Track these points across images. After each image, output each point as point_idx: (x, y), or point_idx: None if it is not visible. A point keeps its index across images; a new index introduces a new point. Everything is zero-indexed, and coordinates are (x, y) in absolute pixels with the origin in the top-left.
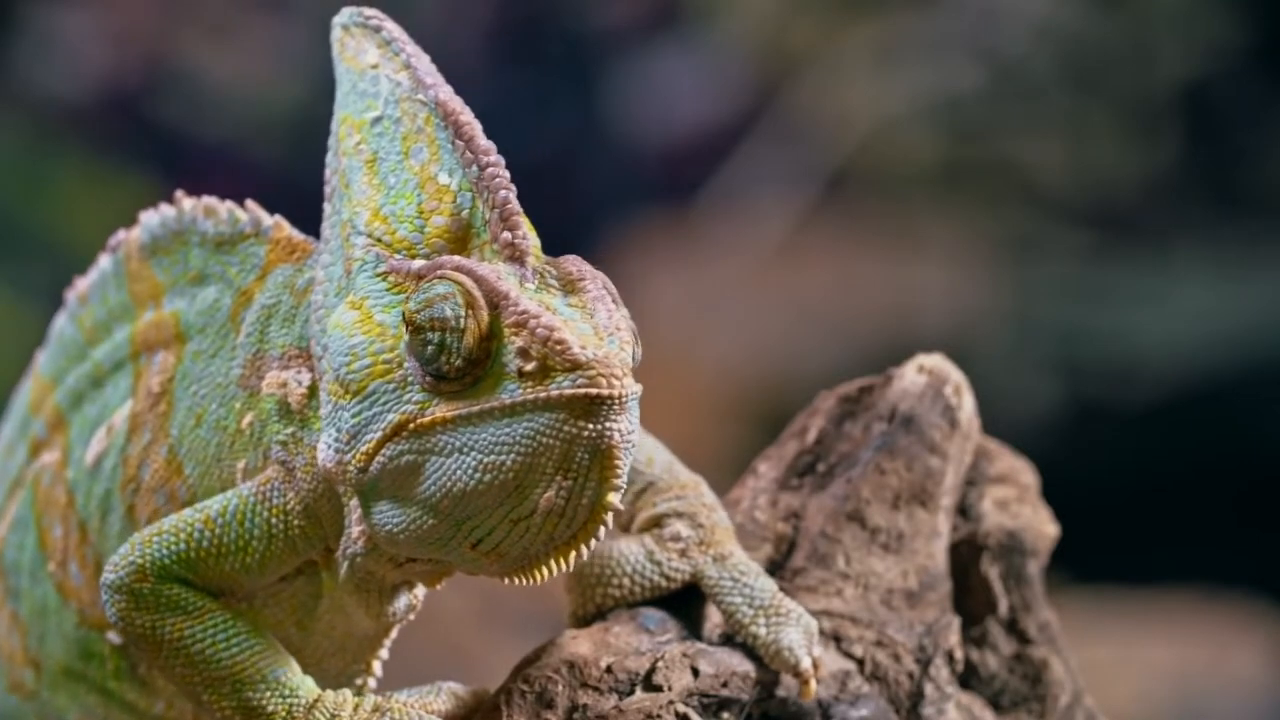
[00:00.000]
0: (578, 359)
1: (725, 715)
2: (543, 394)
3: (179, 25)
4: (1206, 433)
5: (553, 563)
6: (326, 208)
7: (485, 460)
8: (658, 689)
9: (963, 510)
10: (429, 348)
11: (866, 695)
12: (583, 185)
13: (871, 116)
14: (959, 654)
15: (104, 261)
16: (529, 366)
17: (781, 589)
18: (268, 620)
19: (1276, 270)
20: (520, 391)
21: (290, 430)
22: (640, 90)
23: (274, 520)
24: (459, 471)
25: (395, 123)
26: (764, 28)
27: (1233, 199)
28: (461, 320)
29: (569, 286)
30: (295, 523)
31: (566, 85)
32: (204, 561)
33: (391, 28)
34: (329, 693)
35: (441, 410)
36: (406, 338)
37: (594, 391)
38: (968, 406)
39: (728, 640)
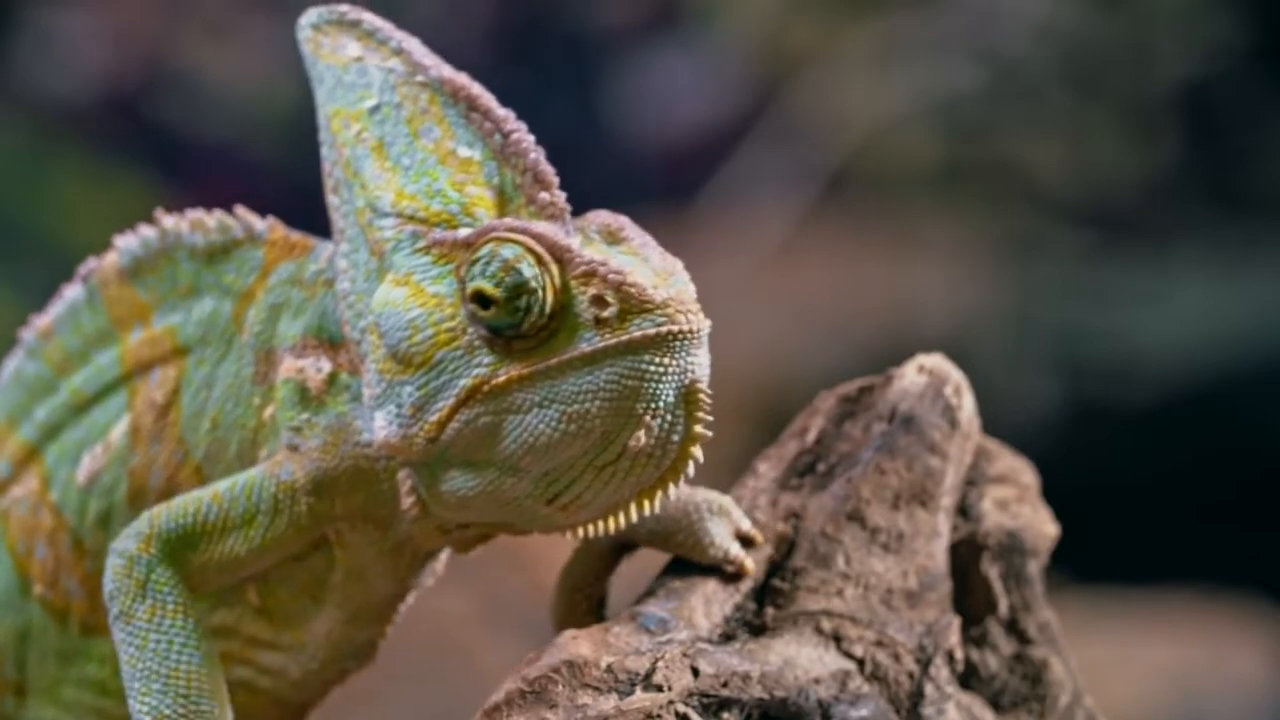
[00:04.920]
0: (654, 299)
1: (725, 715)
2: (624, 337)
3: (179, 25)
4: (1206, 433)
5: (635, 508)
6: (333, 199)
7: (569, 410)
8: (658, 689)
9: (963, 510)
10: (509, 311)
11: (866, 695)
12: (582, 185)
13: (871, 116)
14: (959, 654)
15: (72, 292)
16: (605, 313)
17: (781, 589)
18: (283, 597)
19: (1276, 270)
20: (599, 339)
21: (304, 416)
22: (640, 90)
23: (280, 496)
24: (541, 425)
25: (396, 107)
26: (764, 28)
27: (1233, 199)
28: (539, 278)
29: (611, 238)
30: (302, 499)
31: (566, 85)
32: (208, 535)
33: (371, 18)
34: None
35: (515, 369)
36: (471, 305)
37: (675, 328)
38: (968, 406)
39: (728, 640)
